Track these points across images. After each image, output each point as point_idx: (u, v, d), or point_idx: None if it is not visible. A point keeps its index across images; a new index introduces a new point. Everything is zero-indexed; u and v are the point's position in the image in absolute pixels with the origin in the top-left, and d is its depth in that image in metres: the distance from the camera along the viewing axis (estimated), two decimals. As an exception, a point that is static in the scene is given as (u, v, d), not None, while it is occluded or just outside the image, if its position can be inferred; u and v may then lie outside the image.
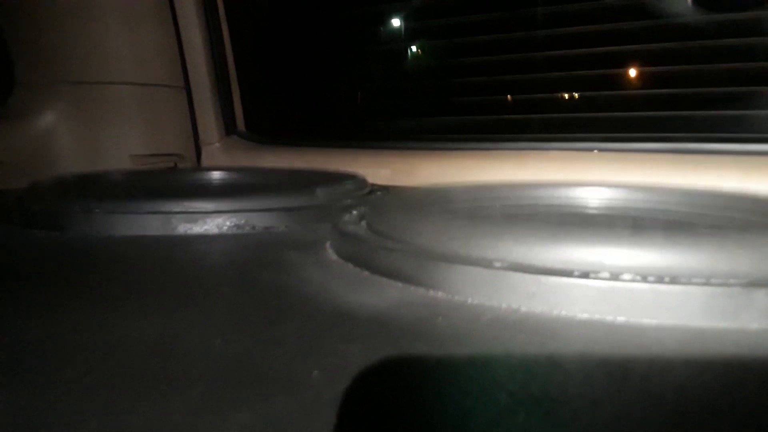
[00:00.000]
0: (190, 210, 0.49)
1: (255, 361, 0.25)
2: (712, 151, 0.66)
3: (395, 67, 1.02)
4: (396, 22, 1.00)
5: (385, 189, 0.69)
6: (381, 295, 0.33)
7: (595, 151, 0.72)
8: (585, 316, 0.29)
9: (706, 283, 0.28)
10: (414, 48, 1.00)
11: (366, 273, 0.37)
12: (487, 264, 0.31)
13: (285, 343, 0.27)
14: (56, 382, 0.23)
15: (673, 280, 0.28)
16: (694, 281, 0.28)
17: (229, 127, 1.02)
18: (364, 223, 0.45)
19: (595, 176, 0.70)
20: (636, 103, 0.78)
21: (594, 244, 0.30)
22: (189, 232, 0.48)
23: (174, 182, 0.74)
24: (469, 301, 0.32)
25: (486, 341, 0.27)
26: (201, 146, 1.01)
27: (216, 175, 0.75)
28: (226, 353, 0.26)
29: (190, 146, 1.00)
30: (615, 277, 0.29)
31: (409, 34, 0.99)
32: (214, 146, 1.01)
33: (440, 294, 0.33)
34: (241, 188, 0.69)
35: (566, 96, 0.86)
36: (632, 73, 0.81)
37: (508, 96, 0.90)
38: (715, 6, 0.70)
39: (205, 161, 1.01)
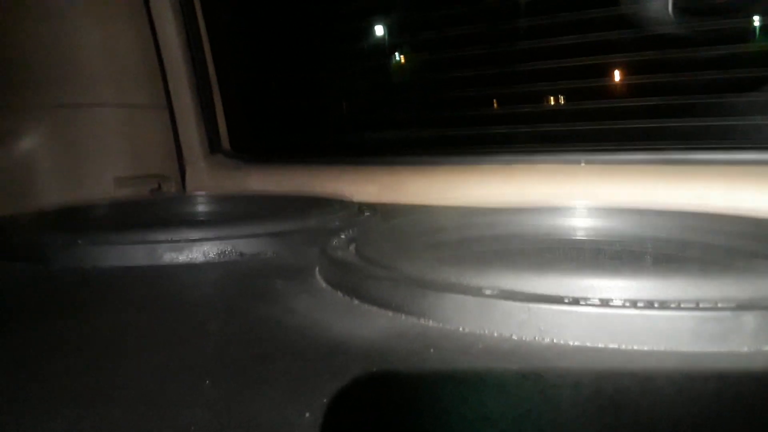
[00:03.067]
0: (176, 239, 0.49)
1: (244, 404, 0.25)
2: (698, 161, 0.66)
3: (381, 82, 1.02)
4: (381, 37, 1.00)
5: (373, 208, 0.68)
6: (371, 325, 0.33)
7: (582, 163, 0.72)
8: (576, 343, 0.29)
9: (696, 308, 0.28)
10: (400, 63, 1.00)
11: (356, 302, 0.37)
12: (478, 292, 0.31)
13: (275, 383, 0.27)
14: (40, 435, 0.23)
15: (663, 306, 0.28)
16: (684, 306, 0.28)
17: (213, 146, 1.02)
18: (353, 248, 0.44)
19: (583, 188, 0.70)
20: (622, 114, 0.79)
21: (584, 271, 0.30)
22: (175, 261, 0.48)
23: (158, 210, 0.73)
24: (461, 329, 0.31)
25: (478, 375, 0.27)
26: (185, 166, 1.00)
27: (201, 200, 0.74)
28: (215, 397, 0.26)
29: (174, 166, 1.00)
30: (605, 303, 0.29)
31: (395, 48, 0.99)
32: (198, 165, 1.01)
33: (431, 323, 0.33)
34: (227, 214, 0.68)
35: (552, 108, 0.86)
36: (618, 83, 0.82)
37: (495, 108, 0.90)
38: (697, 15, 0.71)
39: (190, 181, 1.00)
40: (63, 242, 0.50)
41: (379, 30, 1.00)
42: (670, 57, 0.75)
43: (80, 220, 0.65)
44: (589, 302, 0.29)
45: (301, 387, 0.26)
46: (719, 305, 0.28)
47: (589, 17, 0.79)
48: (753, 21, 0.72)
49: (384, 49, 1.00)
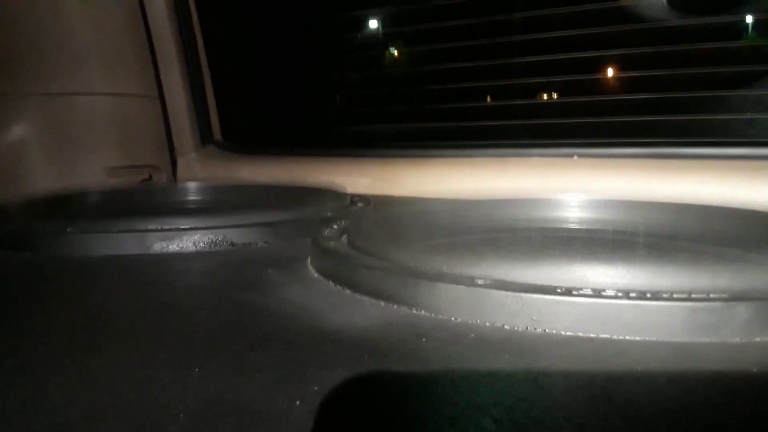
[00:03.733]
0: (166, 227, 0.48)
1: (234, 392, 0.24)
2: (690, 155, 0.67)
3: (374, 74, 1.01)
4: (375, 29, 1.00)
5: (366, 199, 0.68)
6: (363, 315, 0.33)
7: (575, 156, 0.72)
8: (569, 333, 0.29)
9: (688, 299, 0.28)
10: (393, 55, 1.00)
11: (347, 291, 0.37)
12: (470, 282, 0.31)
13: (265, 371, 0.26)
14: (27, 421, 0.22)
15: (655, 296, 0.28)
16: (676, 297, 0.28)
17: (205, 137, 1.01)
18: (344, 238, 0.44)
19: (575, 181, 0.70)
20: (615, 109, 0.79)
21: (576, 260, 0.30)
22: (165, 250, 0.47)
23: (149, 198, 0.73)
24: (453, 319, 0.31)
25: (470, 364, 0.26)
26: (176, 156, 1.00)
27: (192, 189, 0.73)
28: (204, 384, 0.25)
29: (166, 157, 0.99)
30: (597, 293, 0.29)
31: (388, 40, 0.99)
32: (189, 156, 1.00)
33: (423, 313, 0.32)
34: (218, 203, 0.68)
35: (546, 102, 0.86)
36: (611, 78, 0.82)
37: (488, 102, 0.90)
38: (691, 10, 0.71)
39: (181, 172, 0.99)
40: (52, 230, 0.49)
41: (373, 22, 0.99)
42: (662, 52, 0.75)
43: (69, 208, 0.64)
44: (581, 292, 0.29)
45: (292, 376, 0.26)
46: (711, 296, 0.28)
47: (583, 11, 0.79)
48: (745, 17, 0.72)
49: (377, 40, 1.00)
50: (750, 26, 0.72)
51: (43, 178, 0.87)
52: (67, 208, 0.66)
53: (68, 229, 0.49)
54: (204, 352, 0.29)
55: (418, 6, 0.93)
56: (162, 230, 0.48)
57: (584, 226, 0.49)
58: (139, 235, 0.48)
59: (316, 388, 0.24)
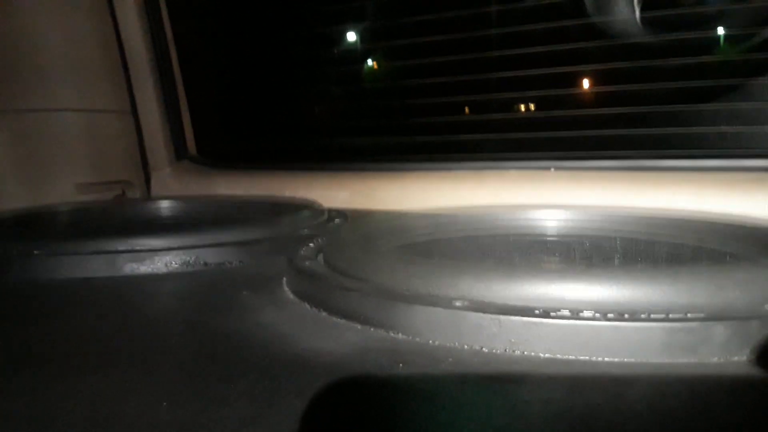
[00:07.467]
0: (137, 248, 0.47)
1: (205, 427, 0.23)
2: (665, 168, 0.67)
3: (353, 88, 1.01)
4: (353, 43, 0.99)
5: (343, 215, 0.67)
6: (339, 339, 0.32)
7: (552, 169, 0.73)
8: (547, 355, 0.28)
9: (665, 319, 0.27)
10: (370, 69, 0.99)
11: (323, 314, 0.36)
12: (448, 304, 0.31)
13: (236, 404, 0.25)
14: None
15: (633, 317, 0.28)
16: (654, 317, 0.28)
17: (179, 152, 0.99)
18: (321, 257, 0.43)
19: (552, 194, 0.70)
20: (591, 122, 0.80)
21: (554, 280, 0.30)
22: (136, 272, 0.46)
23: (119, 217, 0.71)
24: (431, 342, 0.31)
25: (448, 391, 0.26)
26: (150, 172, 0.98)
27: (164, 206, 0.72)
28: (172, 420, 0.24)
29: (139, 172, 0.97)
30: (575, 315, 0.28)
31: (365, 54, 0.99)
32: (163, 172, 0.98)
33: (401, 336, 0.32)
34: (191, 221, 0.66)
35: (523, 115, 0.86)
36: (587, 92, 0.83)
37: (466, 115, 0.90)
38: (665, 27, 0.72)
39: (155, 188, 0.98)
40: (18, 253, 0.48)
41: (351, 35, 0.99)
42: (638, 67, 0.76)
43: (38, 228, 0.63)
44: (559, 314, 0.29)
45: (264, 408, 0.25)
46: (689, 316, 0.28)
47: (560, 27, 0.80)
48: (718, 32, 0.73)
49: (356, 54, 0.99)
50: (722, 41, 0.74)
51: (13, 196, 0.84)
52: (36, 227, 0.64)
53: (35, 251, 0.48)
54: (174, 383, 0.28)
55: (397, 21, 0.93)
56: (133, 251, 0.47)
57: (562, 241, 0.49)
58: (109, 256, 0.46)
59: (289, 421, 0.23)
